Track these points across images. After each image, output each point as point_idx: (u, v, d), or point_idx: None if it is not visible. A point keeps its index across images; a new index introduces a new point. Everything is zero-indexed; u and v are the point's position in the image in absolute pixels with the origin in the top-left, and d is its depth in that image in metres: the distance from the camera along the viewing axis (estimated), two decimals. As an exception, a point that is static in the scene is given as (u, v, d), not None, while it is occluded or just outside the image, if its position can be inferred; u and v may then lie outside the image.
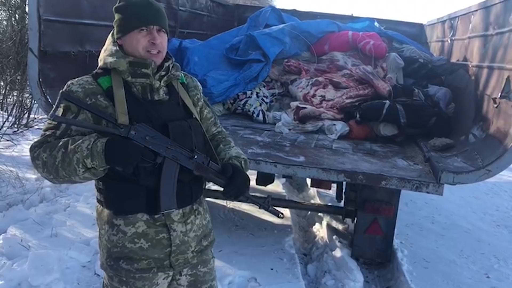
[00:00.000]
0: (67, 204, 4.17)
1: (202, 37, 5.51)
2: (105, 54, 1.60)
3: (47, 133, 1.52)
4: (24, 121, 6.54)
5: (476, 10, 4.11)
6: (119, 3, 1.60)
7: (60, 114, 1.50)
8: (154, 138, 1.51)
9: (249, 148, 3.30)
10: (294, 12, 6.56)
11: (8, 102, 6.86)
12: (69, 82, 1.56)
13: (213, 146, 1.77)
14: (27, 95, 6.32)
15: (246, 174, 1.71)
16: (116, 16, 1.60)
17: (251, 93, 4.44)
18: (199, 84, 1.83)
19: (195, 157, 1.59)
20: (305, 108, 4.12)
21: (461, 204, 5.31)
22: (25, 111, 6.57)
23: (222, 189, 1.67)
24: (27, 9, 5.82)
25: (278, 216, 1.82)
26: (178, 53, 4.69)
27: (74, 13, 3.25)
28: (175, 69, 1.67)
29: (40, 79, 2.92)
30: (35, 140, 1.55)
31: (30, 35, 2.89)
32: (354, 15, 6.94)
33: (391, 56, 4.64)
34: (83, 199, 4.25)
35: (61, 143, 1.46)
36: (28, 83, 5.65)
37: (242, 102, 4.41)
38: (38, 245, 3.32)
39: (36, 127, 6.48)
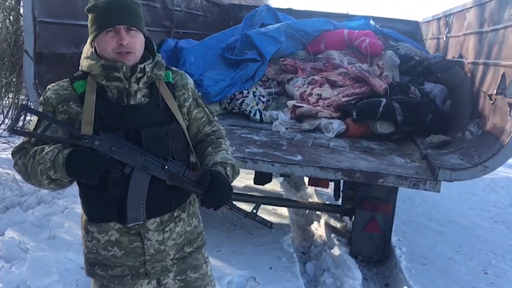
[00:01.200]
0: (65, 206, 4.15)
1: (198, 37, 5.51)
2: (83, 56, 1.56)
3: (25, 139, 1.53)
4: (20, 123, 6.51)
5: (471, 7, 4.13)
6: (89, 3, 1.53)
7: (35, 123, 1.49)
8: (121, 148, 1.45)
9: (247, 148, 3.30)
10: (289, 11, 6.55)
11: (3, 104, 6.84)
12: (48, 86, 1.54)
13: (202, 149, 1.69)
14: (23, 97, 6.30)
15: (228, 182, 1.57)
16: (88, 17, 1.53)
17: (248, 93, 4.45)
18: (190, 81, 1.71)
19: (166, 166, 1.50)
20: (302, 107, 4.13)
21: (458, 200, 5.33)
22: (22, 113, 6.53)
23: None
24: (21, 11, 5.80)
25: (268, 226, 1.69)
26: (174, 53, 4.69)
27: (70, 15, 3.24)
28: (157, 68, 1.57)
29: (36, 81, 2.91)
30: (15, 146, 1.57)
31: (25, 37, 2.88)
32: (349, 13, 6.95)
33: (387, 54, 4.65)
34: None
35: (31, 152, 1.46)
36: (24, 85, 5.63)
37: (239, 101, 4.41)
38: (36, 247, 3.31)
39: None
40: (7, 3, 7.22)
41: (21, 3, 6.51)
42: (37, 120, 1.49)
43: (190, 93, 1.69)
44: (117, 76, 1.49)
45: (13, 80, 6.56)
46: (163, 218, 1.62)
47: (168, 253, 1.65)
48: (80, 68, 1.55)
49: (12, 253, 3.19)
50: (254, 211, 1.66)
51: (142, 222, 1.56)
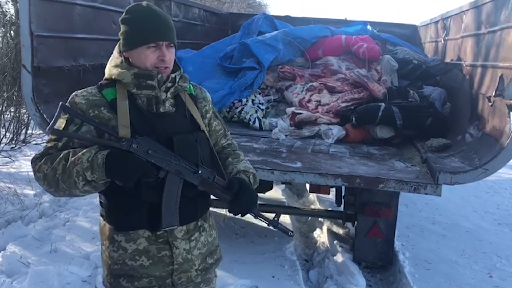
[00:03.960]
0: (66, 219, 4.15)
1: (196, 46, 5.52)
2: (111, 65, 1.57)
3: (49, 145, 1.50)
4: (22, 137, 6.54)
5: (468, 10, 4.13)
6: (125, 14, 1.56)
7: (62, 126, 1.48)
8: (157, 152, 1.46)
9: (246, 156, 3.24)
10: (287, 18, 6.57)
11: (5, 118, 6.87)
12: (73, 94, 1.54)
13: (222, 160, 1.72)
14: (24, 110, 6.33)
15: (254, 189, 1.64)
16: (123, 28, 1.55)
17: (247, 101, 4.45)
18: (208, 95, 1.78)
19: (200, 171, 1.53)
20: (301, 113, 4.13)
21: (461, 203, 5.30)
22: (23, 127, 6.57)
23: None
24: (21, 25, 5.82)
25: (288, 235, 1.70)
26: (172, 63, 4.70)
27: (67, 28, 3.26)
28: (182, 80, 1.62)
29: (34, 95, 2.92)
30: (37, 152, 1.53)
31: (23, 52, 2.89)
32: (348, 19, 6.96)
33: (385, 59, 4.65)
34: (82, 213, 4.24)
35: (62, 155, 1.44)
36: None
37: (238, 110, 4.41)
38: (37, 261, 3.30)
39: (34, 142, 6.48)
40: (7, 18, 7.28)
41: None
42: (66, 123, 1.48)
43: (210, 105, 1.76)
44: (150, 84, 1.52)
45: (15, 94, 6.60)
46: (189, 227, 1.63)
47: (194, 263, 1.65)
48: (106, 76, 1.57)
49: (13, 267, 3.18)
50: (276, 219, 1.68)
51: (176, 227, 1.57)
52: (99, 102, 1.52)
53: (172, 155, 1.49)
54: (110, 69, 1.56)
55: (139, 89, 1.53)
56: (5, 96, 6.66)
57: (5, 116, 6.92)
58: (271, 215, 1.70)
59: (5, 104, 6.95)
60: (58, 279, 3.00)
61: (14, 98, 6.71)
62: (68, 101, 1.52)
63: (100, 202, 1.60)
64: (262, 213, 1.66)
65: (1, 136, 5.84)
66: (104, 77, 1.59)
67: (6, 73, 6.64)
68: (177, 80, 1.59)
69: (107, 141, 1.46)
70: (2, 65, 6.70)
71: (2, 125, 6.59)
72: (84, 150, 1.42)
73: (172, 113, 1.59)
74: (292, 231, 1.72)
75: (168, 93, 1.58)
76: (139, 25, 1.52)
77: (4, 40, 7.36)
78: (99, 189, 1.47)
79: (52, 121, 1.43)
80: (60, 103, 1.45)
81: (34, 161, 1.50)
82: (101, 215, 1.63)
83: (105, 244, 1.61)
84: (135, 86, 1.52)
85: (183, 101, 1.63)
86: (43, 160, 1.47)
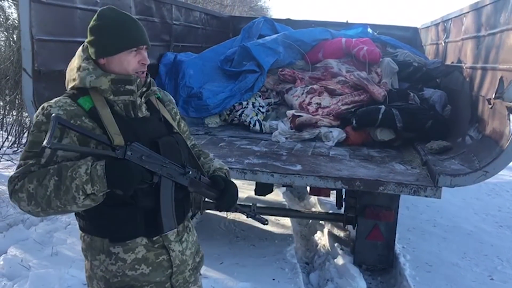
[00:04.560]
0: (68, 222, 4.16)
1: (197, 50, 5.54)
2: (81, 73, 1.49)
3: (30, 162, 1.41)
4: (24, 141, 6.56)
5: (468, 12, 4.14)
6: (98, 21, 1.51)
7: (43, 140, 1.34)
8: (149, 157, 1.45)
9: (246, 159, 3.30)
10: (288, 21, 6.58)
11: (7, 121, 6.90)
12: (45, 105, 1.45)
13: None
14: (26, 114, 6.35)
15: (235, 184, 1.70)
16: (97, 35, 1.50)
17: (247, 104, 4.46)
18: (172, 97, 1.81)
19: (189, 172, 1.55)
20: (301, 116, 4.13)
21: (462, 206, 5.29)
22: (25, 130, 6.59)
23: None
24: (23, 29, 5.85)
25: (263, 223, 1.82)
26: (173, 66, 4.72)
27: (67, 32, 3.28)
28: (152, 84, 1.62)
29: (35, 98, 2.94)
30: (14, 171, 1.42)
31: (24, 55, 2.91)
32: (349, 22, 6.97)
33: (385, 61, 4.66)
34: (84, 216, 4.24)
35: (51, 171, 1.36)
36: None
37: (239, 112, 4.42)
38: (38, 264, 3.31)
39: (36, 146, 6.48)
40: (10, 22, 7.32)
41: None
42: (45, 137, 1.39)
43: (176, 108, 1.79)
44: (128, 89, 1.50)
45: (17, 97, 6.63)
46: (179, 229, 1.64)
47: (188, 263, 1.66)
48: (75, 85, 1.49)
49: (14, 270, 3.19)
50: (253, 209, 1.75)
51: (175, 229, 1.59)
52: (78, 112, 1.45)
53: (162, 159, 1.49)
54: (82, 77, 1.48)
55: (116, 95, 1.49)
56: (8, 100, 6.69)
57: (7, 119, 6.95)
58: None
59: (7, 108, 6.99)
60: (59, 282, 3.00)
61: (17, 102, 6.75)
62: (42, 113, 1.43)
63: (83, 216, 1.53)
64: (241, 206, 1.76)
65: (3, 140, 5.86)
66: (74, 85, 1.50)
67: (8, 77, 6.67)
68: (150, 84, 1.60)
69: (102, 151, 1.41)
70: (4, 69, 6.73)
71: (4, 128, 6.62)
72: (79, 163, 1.37)
73: (149, 117, 1.59)
74: (266, 220, 1.83)
75: (143, 97, 1.58)
76: (118, 30, 1.49)
77: (7, 44, 7.40)
78: (98, 202, 1.40)
79: (49, 135, 1.30)
80: (53, 115, 1.35)
81: (12, 181, 1.40)
82: (85, 230, 1.56)
83: (98, 259, 1.54)
84: (112, 93, 1.49)
85: (154, 105, 1.64)
86: (26, 179, 1.37)
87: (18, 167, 1.43)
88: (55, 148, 1.36)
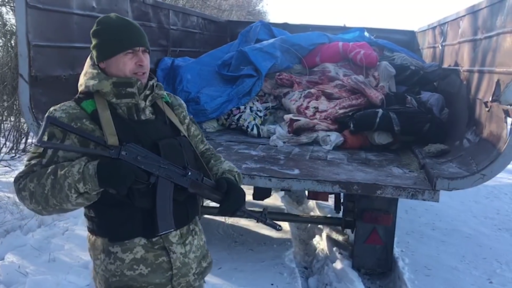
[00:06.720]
0: (65, 228, 4.14)
1: (195, 54, 5.54)
2: (86, 77, 1.56)
3: (32, 162, 1.48)
4: (22, 146, 6.55)
5: (464, 15, 4.15)
6: (97, 26, 1.57)
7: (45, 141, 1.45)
8: (146, 158, 1.47)
9: (244, 163, 3.30)
10: (285, 26, 6.59)
11: (5, 127, 6.89)
12: (51, 109, 1.52)
13: (204, 162, 1.74)
14: (24, 120, 6.34)
15: (241, 188, 1.67)
16: (96, 39, 1.57)
17: (245, 108, 4.46)
18: (183, 102, 1.82)
19: (189, 174, 1.55)
20: (299, 120, 4.13)
21: (461, 209, 5.28)
22: (23, 136, 6.58)
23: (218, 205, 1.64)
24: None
25: (276, 229, 1.76)
26: (170, 71, 4.72)
27: (64, 37, 3.28)
28: (158, 88, 1.65)
29: (32, 104, 2.93)
30: (19, 171, 1.49)
31: (20, 61, 2.90)
32: (346, 26, 6.98)
33: (382, 65, 4.66)
34: (82, 222, 4.23)
35: (49, 170, 1.42)
36: (23, 108, 5.65)
37: (236, 117, 4.42)
38: (36, 270, 3.29)
39: (34, 151, 6.47)
40: (7, 28, 7.32)
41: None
42: (48, 138, 1.47)
43: (186, 112, 1.80)
44: (129, 92, 1.53)
45: (15, 103, 6.62)
46: (182, 231, 1.63)
47: (191, 267, 1.65)
48: (82, 90, 1.56)
49: (11, 277, 3.17)
50: (264, 214, 1.71)
51: (173, 230, 1.57)
52: (80, 115, 1.50)
53: (161, 160, 1.50)
54: (87, 81, 1.54)
55: (118, 98, 1.53)
56: (5, 106, 6.68)
57: (5, 125, 6.94)
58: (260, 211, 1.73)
59: (5, 114, 6.98)
60: (56, 289, 2.99)
61: (14, 108, 6.74)
62: (47, 115, 1.49)
63: (90, 216, 1.58)
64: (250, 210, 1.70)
65: (1, 145, 5.85)
66: (80, 91, 1.57)
67: (6, 83, 6.66)
68: (154, 87, 1.62)
69: (95, 150, 1.45)
70: (2, 75, 6.73)
71: (2, 134, 6.61)
72: (73, 163, 1.41)
73: (153, 120, 1.61)
74: (280, 225, 1.76)
75: (147, 101, 1.60)
76: (114, 34, 1.54)
77: (4, 49, 7.40)
78: (92, 200, 1.45)
79: (40, 134, 1.39)
80: (46, 115, 1.44)
81: (17, 181, 1.46)
82: (90, 230, 1.60)
83: (99, 258, 1.58)
84: (114, 96, 1.53)
85: (161, 108, 1.66)
86: (28, 178, 1.44)
87: (24, 167, 1.49)
88: (46, 147, 1.45)
